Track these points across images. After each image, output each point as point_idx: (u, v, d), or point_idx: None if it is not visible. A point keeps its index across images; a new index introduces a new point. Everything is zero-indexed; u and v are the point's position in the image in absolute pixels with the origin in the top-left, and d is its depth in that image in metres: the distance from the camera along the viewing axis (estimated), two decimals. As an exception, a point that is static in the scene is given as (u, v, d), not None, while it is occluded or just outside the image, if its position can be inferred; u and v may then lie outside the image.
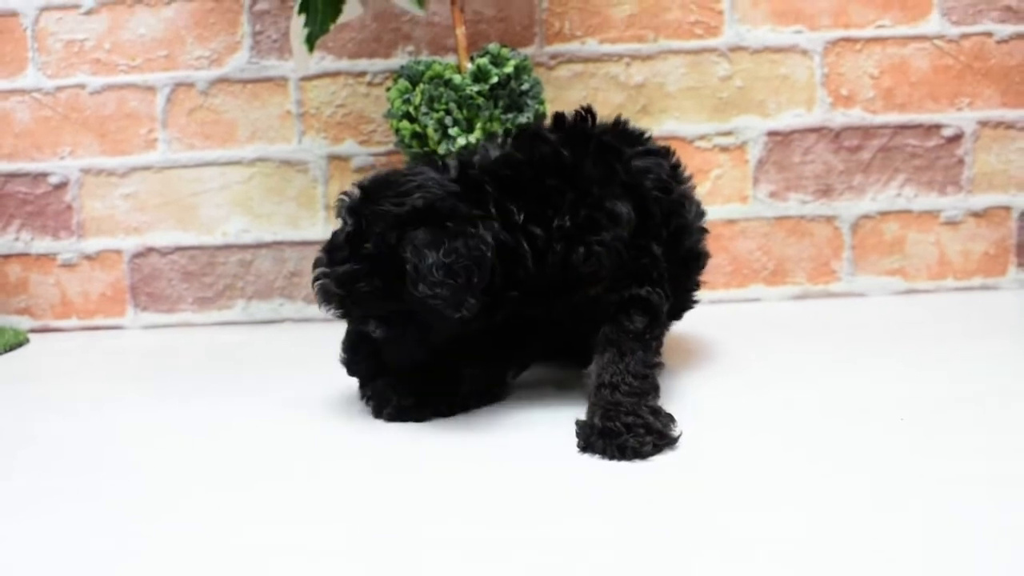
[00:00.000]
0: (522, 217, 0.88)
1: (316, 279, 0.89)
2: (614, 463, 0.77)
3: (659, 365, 0.91)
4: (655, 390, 0.87)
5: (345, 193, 0.91)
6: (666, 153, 1.02)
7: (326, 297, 0.89)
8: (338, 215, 0.90)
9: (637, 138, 1.00)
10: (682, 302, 1.04)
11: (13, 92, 1.45)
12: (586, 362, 0.92)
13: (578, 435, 0.82)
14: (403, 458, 0.83)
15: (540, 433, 0.86)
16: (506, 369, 0.98)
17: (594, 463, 0.78)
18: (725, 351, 1.15)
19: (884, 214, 1.44)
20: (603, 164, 0.93)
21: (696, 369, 1.07)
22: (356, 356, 0.93)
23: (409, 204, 0.86)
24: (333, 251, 0.88)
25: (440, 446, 0.86)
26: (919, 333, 1.20)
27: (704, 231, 1.05)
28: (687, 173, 1.04)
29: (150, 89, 1.44)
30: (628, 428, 0.79)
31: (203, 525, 0.70)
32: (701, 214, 1.05)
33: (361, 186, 0.90)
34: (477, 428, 0.90)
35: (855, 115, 1.42)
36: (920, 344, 1.14)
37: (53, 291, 1.48)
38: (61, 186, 1.46)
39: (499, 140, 0.97)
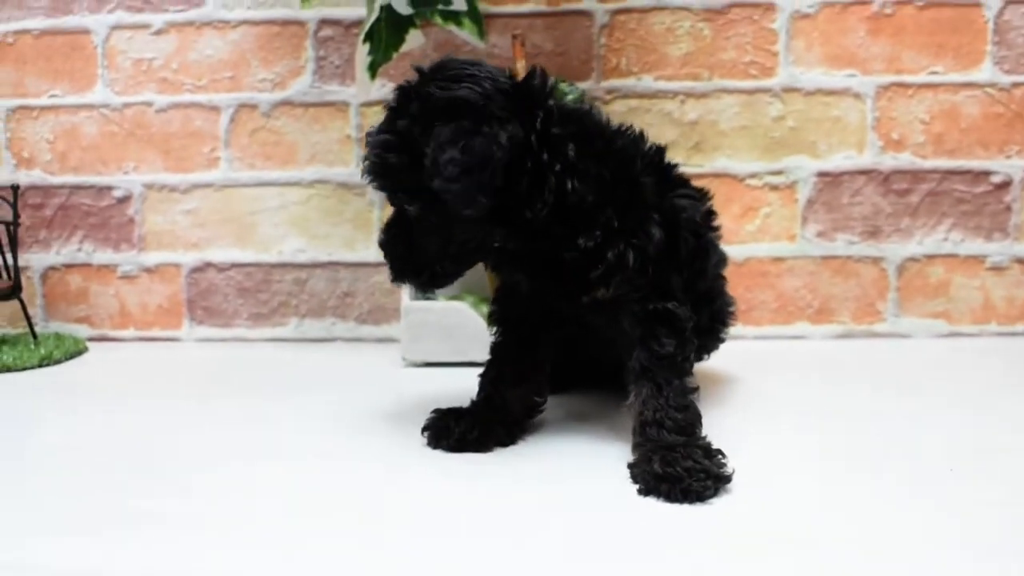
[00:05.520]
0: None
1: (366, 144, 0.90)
2: (675, 506, 0.79)
3: (695, 389, 0.91)
4: (698, 419, 0.88)
5: (416, 68, 0.91)
6: (703, 197, 1.04)
7: (363, 160, 0.90)
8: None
9: (678, 175, 1.01)
10: (701, 342, 1.04)
11: (82, 107, 1.49)
12: (619, 386, 0.93)
13: (638, 480, 0.83)
14: (454, 496, 0.83)
15: (589, 476, 0.87)
16: (543, 387, 1.00)
17: (657, 506, 0.80)
18: (768, 388, 1.17)
19: (930, 257, 1.45)
20: (650, 180, 0.93)
21: (738, 406, 1.09)
22: (388, 234, 0.94)
23: (451, 93, 0.85)
24: (383, 121, 0.89)
25: (492, 485, 0.86)
26: (962, 377, 1.22)
27: (722, 277, 1.08)
28: (717, 222, 1.06)
29: (214, 109, 1.48)
30: (689, 472, 0.81)
31: (249, 541, 0.72)
32: (722, 261, 1.08)
33: (419, 69, 0.90)
34: (526, 465, 0.91)
35: (905, 159, 1.44)
36: (963, 389, 1.15)
37: (112, 302, 1.52)
38: (124, 200, 1.50)
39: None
